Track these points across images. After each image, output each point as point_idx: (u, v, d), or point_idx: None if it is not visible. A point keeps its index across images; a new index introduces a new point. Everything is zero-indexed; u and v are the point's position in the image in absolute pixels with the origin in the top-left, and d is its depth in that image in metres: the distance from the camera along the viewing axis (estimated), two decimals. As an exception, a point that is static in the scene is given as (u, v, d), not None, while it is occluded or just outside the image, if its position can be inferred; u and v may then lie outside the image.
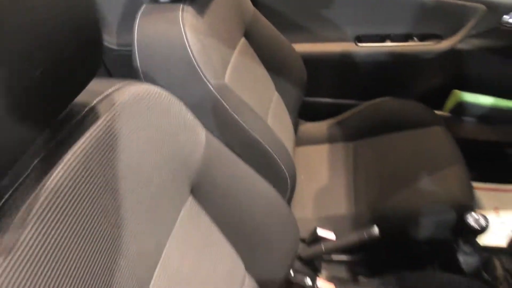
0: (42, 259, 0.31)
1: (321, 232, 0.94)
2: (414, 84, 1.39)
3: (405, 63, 1.33)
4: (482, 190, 1.46)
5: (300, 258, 0.92)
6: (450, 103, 1.39)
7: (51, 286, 0.31)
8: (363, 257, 0.97)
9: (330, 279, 0.89)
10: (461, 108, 1.36)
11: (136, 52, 0.74)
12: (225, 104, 0.78)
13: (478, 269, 0.86)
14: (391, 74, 1.37)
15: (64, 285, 0.33)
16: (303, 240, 0.97)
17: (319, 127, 1.35)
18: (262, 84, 1.10)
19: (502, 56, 1.25)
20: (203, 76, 0.75)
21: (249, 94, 0.93)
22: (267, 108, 1.07)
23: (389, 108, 1.30)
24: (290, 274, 0.86)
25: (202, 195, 0.58)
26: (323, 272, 0.93)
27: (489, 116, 1.36)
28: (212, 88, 0.76)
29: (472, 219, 0.80)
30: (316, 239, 0.94)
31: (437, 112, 1.33)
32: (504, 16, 1.16)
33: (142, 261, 0.43)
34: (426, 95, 1.37)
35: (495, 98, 1.34)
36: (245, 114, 0.83)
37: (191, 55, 0.73)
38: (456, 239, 0.86)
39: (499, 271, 0.90)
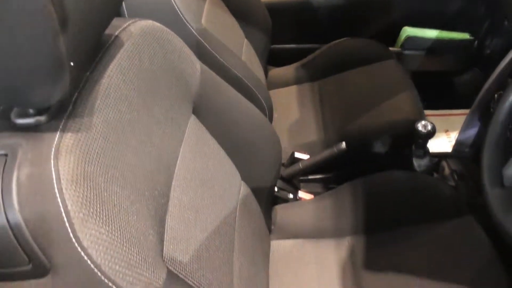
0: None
1: (298, 154, 1.09)
2: (369, 24, 1.53)
3: (359, 4, 1.46)
4: (434, 117, 1.65)
5: (282, 178, 1.07)
6: (400, 39, 1.54)
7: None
8: (335, 173, 1.13)
9: (309, 193, 1.05)
10: (410, 42, 1.52)
11: (124, 8, 0.84)
12: (207, 45, 0.89)
13: (429, 170, 1.04)
14: (348, 16, 1.51)
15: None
16: (283, 165, 1.12)
17: (287, 71, 1.48)
18: (232, 31, 1.21)
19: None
20: (185, 21, 0.86)
21: (223, 39, 1.04)
22: (240, 53, 1.19)
23: (348, 47, 1.44)
24: (275, 190, 1.01)
25: (202, 114, 0.70)
26: (303, 189, 1.09)
27: (435, 48, 1.52)
28: (194, 32, 0.87)
29: (421, 125, 0.96)
30: (294, 161, 1.09)
31: (390, 48, 1.49)
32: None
33: (166, 151, 0.56)
34: (380, 33, 1.52)
35: (439, 30, 1.50)
36: (225, 54, 0.95)
37: (173, 2, 0.83)
38: (410, 146, 1.03)
39: (447, 171, 1.09)
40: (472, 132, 1.12)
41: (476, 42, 1.50)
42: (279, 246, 0.92)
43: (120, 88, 0.49)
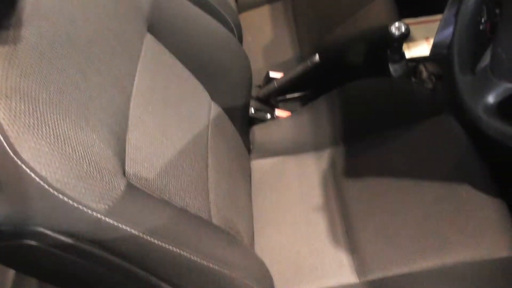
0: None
1: (273, 74, 1.06)
2: None
3: None
4: (414, 25, 1.59)
5: (259, 99, 1.05)
6: None
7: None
8: (312, 90, 1.11)
9: (288, 110, 1.04)
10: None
11: None
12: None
13: (405, 74, 1.01)
14: None
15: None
16: (258, 86, 1.10)
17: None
18: None
19: None
20: None
21: None
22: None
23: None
24: (252, 111, 0.99)
25: (159, 33, 0.66)
26: (280, 108, 1.07)
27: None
28: None
29: (394, 28, 0.93)
30: (269, 80, 1.06)
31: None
32: None
33: (118, 69, 0.53)
34: None
35: None
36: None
37: None
38: (385, 52, 1.00)
39: (425, 74, 1.07)
40: (449, 32, 1.08)
41: None
42: (260, 165, 0.93)
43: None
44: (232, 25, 0.98)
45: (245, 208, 0.82)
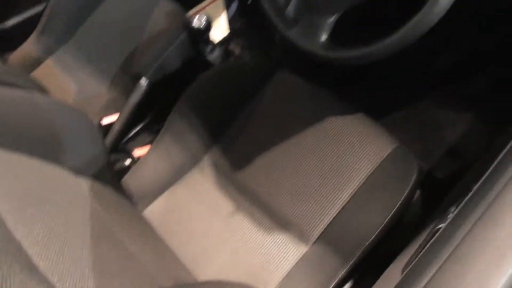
0: None
1: (107, 120, 0.97)
2: None
3: None
4: (196, 14, 1.65)
5: (110, 151, 0.95)
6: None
7: None
8: (155, 114, 1.07)
9: (144, 144, 0.97)
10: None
11: None
12: None
13: (223, 57, 1.06)
14: None
15: None
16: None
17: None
18: None
19: None
20: None
21: None
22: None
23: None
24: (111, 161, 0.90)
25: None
26: (136, 147, 1.00)
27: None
28: None
29: (195, 22, 0.95)
30: (107, 128, 0.97)
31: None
32: None
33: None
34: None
35: None
36: None
37: None
38: (199, 47, 1.02)
39: (238, 50, 1.13)
40: (235, 6, 1.17)
41: None
42: (152, 211, 0.86)
43: None
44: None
45: (170, 261, 0.75)
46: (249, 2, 1.06)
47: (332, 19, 0.65)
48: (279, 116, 0.89)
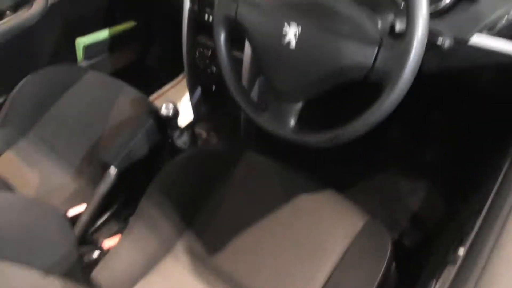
0: None
1: (72, 211, 0.94)
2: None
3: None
4: (158, 99, 1.71)
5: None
6: (80, 52, 1.48)
7: None
8: (125, 200, 1.05)
9: (112, 233, 0.94)
10: (90, 50, 1.48)
11: None
12: None
13: (190, 142, 1.09)
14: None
15: None
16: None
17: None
18: None
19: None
20: None
21: None
22: None
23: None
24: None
25: None
26: (104, 236, 0.97)
27: (115, 44, 1.54)
28: None
29: (164, 110, 0.98)
30: (73, 220, 0.94)
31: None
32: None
33: None
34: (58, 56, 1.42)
35: (108, 28, 1.51)
36: None
37: None
38: (167, 133, 1.05)
39: (204, 134, 1.17)
40: (198, 91, 1.23)
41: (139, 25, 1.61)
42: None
43: None
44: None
45: None
46: (213, 89, 1.12)
47: (299, 106, 0.70)
48: (251, 197, 0.90)
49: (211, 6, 1.01)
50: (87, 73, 1.29)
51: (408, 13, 0.55)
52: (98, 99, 1.21)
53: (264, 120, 0.73)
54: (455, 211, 0.78)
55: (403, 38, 0.56)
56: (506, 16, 0.67)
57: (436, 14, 0.73)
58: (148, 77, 1.72)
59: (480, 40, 0.70)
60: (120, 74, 1.52)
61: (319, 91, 0.67)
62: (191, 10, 1.06)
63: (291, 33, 0.64)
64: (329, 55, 0.62)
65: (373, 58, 0.59)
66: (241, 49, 0.98)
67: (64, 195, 1.04)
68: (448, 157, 1.16)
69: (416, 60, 0.56)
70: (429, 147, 1.17)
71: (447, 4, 0.72)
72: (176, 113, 0.99)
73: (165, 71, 1.73)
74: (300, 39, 0.64)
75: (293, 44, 0.65)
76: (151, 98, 1.66)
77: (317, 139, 0.67)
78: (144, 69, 1.71)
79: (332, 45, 0.61)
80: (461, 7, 0.71)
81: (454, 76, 0.79)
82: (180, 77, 1.77)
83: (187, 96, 1.69)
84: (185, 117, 1.31)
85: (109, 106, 1.17)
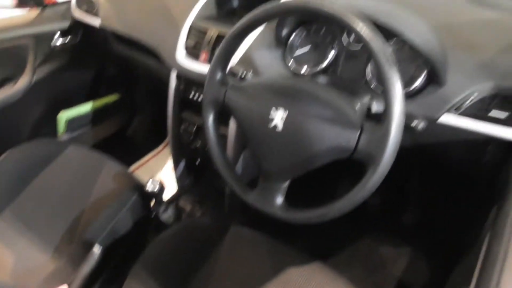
0: None
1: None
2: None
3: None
4: (139, 168, 1.71)
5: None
6: (61, 126, 1.49)
7: None
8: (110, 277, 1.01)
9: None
10: (73, 124, 1.49)
11: None
12: None
13: (175, 216, 1.09)
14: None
15: None
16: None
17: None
18: None
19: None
20: None
21: None
22: None
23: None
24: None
25: None
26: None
27: (97, 117, 1.56)
28: None
29: (149, 187, 0.99)
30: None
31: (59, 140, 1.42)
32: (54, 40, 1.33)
33: None
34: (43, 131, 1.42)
35: (92, 101, 1.54)
36: None
37: None
38: (152, 208, 1.05)
39: (188, 206, 1.17)
40: (182, 165, 1.24)
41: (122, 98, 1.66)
42: None
43: None
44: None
45: None
46: (197, 163, 1.14)
47: (286, 184, 0.73)
48: (239, 271, 0.90)
49: (197, 85, 1.06)
50: (67, 147, 1.29)
51: (386, 101, 0.60)
52: (79, 174, 1.21)
53: (252, 198, 0.75)
54: (441, 276, 0.80)
55: (383, 122, 0.61)
56: (471, 97, 0.74)
57: (407, 96, 0.79)
58: (129, 147, 1.73)
59: (448, 119, 0.76)
60: (102, 145, 1.54)
61: (306, 171, 0.70)
62: (177, 88, 1.10)
63: (278, 117, 0.69)
64: (315, 139, 0.66)
65: (356, 141, 0.63)
66: (227, 124, 1.02)
67: (42, 276, 1.00)
68: (429, 222, 1.20)
69: (395, 143, 0.60)
70: (408, 213, 1.21)
71: (416, 87, 0.79)
72: (161, 188, 1.00)
73: (146, 141, 1.75)
74: (286, 123, 0.68)
75: (280, 127, 0.69)
76: (132, 168, 1.66)
77: (305, 216, 0.70)
78: (125, 139, 1.73)
79: (317, 129, 0.66)
80: (430, 90, 0.78)
81: (426, 152, 0.85)
82: (161, 147, 1.80)
83: (168, 166, 1.71)
84: (169, 189, 1.32)
85: (91, 181, 1.16)
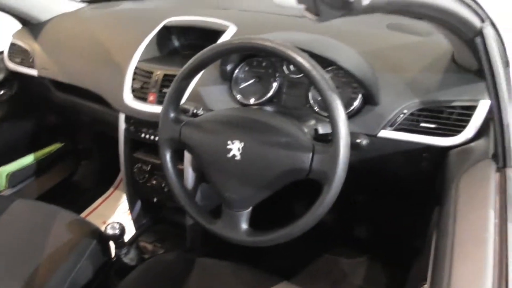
0: None
1: None
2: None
3: None
4: (91, 214, 1.66)
5: None
6: (1, 182, 1.42)
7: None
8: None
9: None
10: (14, 178, 1.43)
11: None
12: None
13: (140, 259, 1.07)
14: None
15: None
16: None
17: None
18: None
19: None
20: None
21: None
22: None
23: None
24: None
25: None
26: None
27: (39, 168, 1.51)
28: None
29: (110, 230, 0.98)
30: None
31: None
32: None
33: None
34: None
35: (34, 153, 1.49)
36: None
37: None
38: (114, 252, 1.03)
39: (150, 247, 1.16)
40: (138, 205, 1.24)
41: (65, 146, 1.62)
42: None
43: None
44: None
45: None
46: (155, 200, 1.14)
47: (249, 210, 0.77)
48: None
49: (147, 125, 1.08)
50: (13, 201, 1.23)
51: (332, 123, 0.67)
52: (29, 228, 1.15)
53: (217, 228, 0.78)
54: (399, 279, 0.86)
55: (332, 143, 0.67)
56: (402, 114, 0.84)
57: (347, 117, 0.87)
58: (78, 194, 1.68)
59: (386, 134, 0.85)
60: (49, 195, 1.48)
61: (268, 195, 0.74)
62: (127, 130, 1.11)
63: (235, 148, 0.73)
64: (272, 164, 0.71)
65: (310, 162, 0.69)
66: (181, 159, 1.04)
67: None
68: (381, 231, 1.28)
69: (345, 160, 0.67)
70: (361, 226, 1.28)
71: (355, 108, 0.88)
72: (122, 231, 0.99)
73: (94, 186, 1.71)
74: (243, 153, 0.73)
75: (238, 157, 0.73)
76: (83, 214, 1.61)
77: (272, 238, 0.73)
78: (73, 186, 1.67)
79: (273, 156, 0.71)
80: (366, 110, 0.87)
81: (372, 165, 0.93)
82: (111, 190, 1.76)
83: (120, 208, 1.68)
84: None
85: (43, 234, 1.11)
